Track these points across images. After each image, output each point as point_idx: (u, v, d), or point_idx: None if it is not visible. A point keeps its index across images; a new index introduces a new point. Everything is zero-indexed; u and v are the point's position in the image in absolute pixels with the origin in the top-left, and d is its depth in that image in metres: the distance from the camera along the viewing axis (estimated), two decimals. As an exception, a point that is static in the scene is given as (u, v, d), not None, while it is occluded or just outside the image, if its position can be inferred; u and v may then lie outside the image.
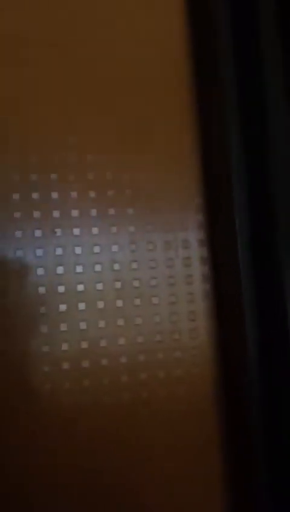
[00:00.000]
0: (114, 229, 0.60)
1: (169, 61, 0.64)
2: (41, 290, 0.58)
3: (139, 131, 0.61)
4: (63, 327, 0.58)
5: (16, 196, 0.58)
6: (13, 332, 0.57)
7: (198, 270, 0.61)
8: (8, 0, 0.59)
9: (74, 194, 0.59)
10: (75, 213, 0.59)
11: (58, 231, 0.59)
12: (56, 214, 0.59)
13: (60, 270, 0.59)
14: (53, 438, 0.56)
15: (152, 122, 0.61)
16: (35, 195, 0.59)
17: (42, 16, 0.60)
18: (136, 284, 0.59)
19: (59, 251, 0.59)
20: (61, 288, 0.59)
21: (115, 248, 0.60)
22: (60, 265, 0.59)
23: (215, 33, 0.61)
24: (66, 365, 0.58)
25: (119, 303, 0.59)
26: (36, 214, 0.59)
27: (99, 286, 0.59)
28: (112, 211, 0.60)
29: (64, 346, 0.58)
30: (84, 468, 0.57)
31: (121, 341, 0.59)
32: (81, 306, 0.59)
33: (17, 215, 0.58)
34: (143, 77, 0.63)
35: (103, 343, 0.59)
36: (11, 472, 0.54)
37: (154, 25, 0.64)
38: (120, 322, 0.59)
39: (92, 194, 0.60)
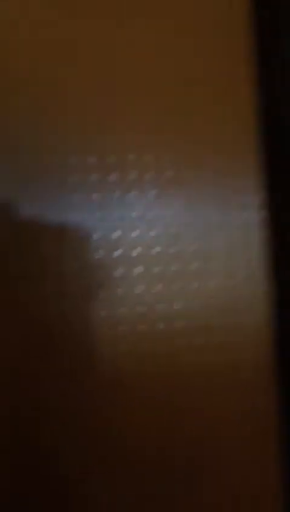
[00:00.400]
0: (170, 193, 0.59)
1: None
2: (98, 254, 0.58)
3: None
4: (120, 291, 0.58)
5: (73, 160, 0.58)
6: (72, 297, 0.57)
7: (256, 234, 0.59)
8: None
9: (131, 157, 0.59)
10: (132, 175, 0.59)
11: (115, 195, 0.58)
12: (113, 177, 0.59)
13: (116, 234, 0.58)
14: (109, 400, 0.57)
15: (208, 75, 0.60)
16: (91, 159, 0.58)
17: None
18: (192, 248, 0.58)
19: (115, 215, 0.58)
20: (117, 253, 0.58)
21: (171, 212, 0.59)
22: (117, 229, 0.58)
23: None
24: (123, 329, 0.57)
25: (175, 267, 0.58)
26: (93, 177, 0.58)
27: (155, 250, 0.58)
28: (169, 174, 0.59)
29: (122, 310, 0.58)
30: (137, 431, 0.57)
31: (177, 305, 0.58)
32: (137, 270, 0.58)
33: (73, 179, 0.58)
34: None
35: (159, 307, 0.58)
36: (69, 434, 0.55)
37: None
38: (176, 286, 0.58)
39: (149, 157, 0.59)
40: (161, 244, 0.58)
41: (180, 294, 0.58)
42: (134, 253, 0.58)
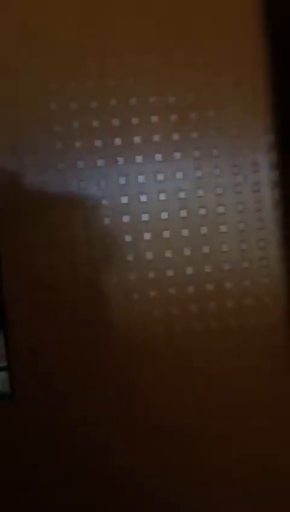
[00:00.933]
0: (178, 155, 0.58)
1: None
2: (107, 221, 0.57)
3: (206, 50, 0.57)
4: (130, 257, 0.57)
5: (76, 124, 0.57)
6: (82, 264, 0.57)
7: (268, 195, 0.58)
8: None
9: (135, 120, 0.57)
10: (137, 140, 0.57)
11: (120, 160, 0.57)
12: (118, 141, 0.57)
13: (124, 200, 0.57)
14: (123, 366, 0.58)
15: (220, 41, 0.57)
16: (95, 123, 0.57)
17: None
18: (202, 212, 0.57)
19: (122, 180, 0.57)
20: (126, 219, 0.57)
21: (179, 175, 0.57)
22: (124, 195, 0.57)
23: None
24: (135, 295, 0.57)
25: (185, 232, 0.57)
26: (98, 143, 0.57)
27: (165, 215, 0.57)
28: (175, 136, 0.58)
29: (132, 276, 0.57)
30: (153, 398, 0.58)
31: (189, 270, 0.57)
32: (147, 236, 0.57)
33: (78, 144, 0.57)
34: None
35: (169, 273, 0.57)
36: (87, 400, 0.56)
37: None
38: (187, 251, 0.57)
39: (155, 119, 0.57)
40: (170, 209, 0.57)
41: (191, 259, 0.57)
42: (143, 219, 0.57)
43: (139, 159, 0.57)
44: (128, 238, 0.57)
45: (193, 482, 0.57)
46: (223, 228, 0.57)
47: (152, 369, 0.58)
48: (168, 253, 0.57)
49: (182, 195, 0.57)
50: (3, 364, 0.57)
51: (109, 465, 0.57)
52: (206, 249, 0.57)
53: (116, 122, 0.56)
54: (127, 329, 0.57)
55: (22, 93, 0.57)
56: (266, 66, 0.55)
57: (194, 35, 0.56)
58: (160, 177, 0.57)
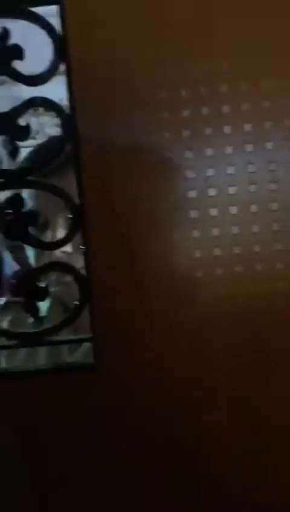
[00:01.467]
0: (267, 125, 0.55)
1: None
2: (192, 193, 0.55)
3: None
4: (215, 232, 0.56)
5: (161, 94, 0.54)
6: (165, 237, 0.55)
7: None
8: None
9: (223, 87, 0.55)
10: (225, 109, 0.55)
11: (208, 130, 0.55)
12: (205, 111, 0.55)
13: (210, 172, 0.55)
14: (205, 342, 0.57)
15: None
16: (183, 92, 0.54)
17: None
18: (293, 185, 0.55)
19: (209, 152, 0.55)
20: (212, 191, 0.55)
21: (269, 146, 0.55)
22: (211, 167, 0.55)
23: None
24: (219, 271, 0.56)
25: (274, 206, 0.55)
26: (185, 113, 0.55)
27: (253, 188, 0.55)
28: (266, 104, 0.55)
29: (217, 252, 0.56)
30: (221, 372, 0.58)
31: (277, 246, 0.56)
32: (233, 210, 0.56)
33: (165, 114, 0.55)
34: None
35: (256, 248, 0.56)
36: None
37: None
38: (275, 226, 0.56)
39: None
40: (258, 182, 0.55)
41: (279, 235, 0.56)
42: (230, 192, 0.56)
43: (227, 129, 0.54)
44: (213, 211, 0.56)
45: None
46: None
47: (228, 340, 0.57)
48: (255, 228, 0.56)
49: (272, 167, 0.55)
50: (87, 335, 0.58)
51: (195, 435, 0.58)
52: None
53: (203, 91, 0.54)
54: (208, 305, 0.57)
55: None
56: None
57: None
58: (249, 147, 0.55)
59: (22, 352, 0.74)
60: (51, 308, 0.78)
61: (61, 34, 0.55)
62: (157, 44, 0.54)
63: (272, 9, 0.53)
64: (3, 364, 0.73)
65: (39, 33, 0.56)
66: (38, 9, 0.55)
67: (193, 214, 0.56)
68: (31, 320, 0.73)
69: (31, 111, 0.56)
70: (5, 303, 0.68)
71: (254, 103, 0.54)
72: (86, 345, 0.75)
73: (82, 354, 0.76)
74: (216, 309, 0.57)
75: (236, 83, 0.54)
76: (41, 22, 0.55)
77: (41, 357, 0.77)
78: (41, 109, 0.59)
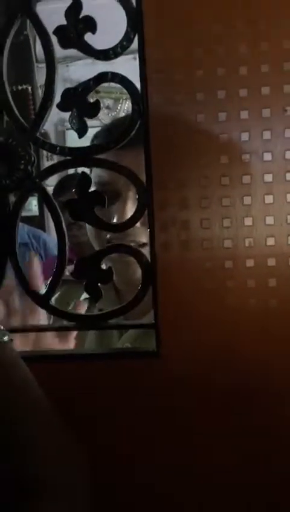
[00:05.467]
0: None
1: None
2: (268, 177, 0.52)
3: None
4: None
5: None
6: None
7: None
8: None
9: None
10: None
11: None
12: (287, 88, 0.51)
13: (288, 154, 0.52)
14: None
15: None
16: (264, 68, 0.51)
17: None
18: None
19: (289, 133, 0.51)
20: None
21: None
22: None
23: None
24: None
25: None
26: (264, 90, 0.51)
27: None
28: None
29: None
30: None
31: None
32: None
33: (243, 92, 0.51)
34: None
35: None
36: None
37: None
38: None
39: None
40: None
41: None
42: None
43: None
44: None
45: None
46: None
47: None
48: None
49: None
50: (149, 320, 0.56)
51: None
52: None
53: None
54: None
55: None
56: None
57: None
58: None
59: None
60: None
61: (135, 7, 0.53)
62: (228, 21, 0.51)
63: None
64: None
65: (112, 7, 0.54)
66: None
67: (268, 199, 0.53)
68: (79, 298, 0.72)
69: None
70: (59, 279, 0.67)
71: None
72: (138, 331, 0.74)
73: (133, 339, 0.74)
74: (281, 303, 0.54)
75: None
76: (115, -7, 0.53)
77: (89, 340, 0.75)
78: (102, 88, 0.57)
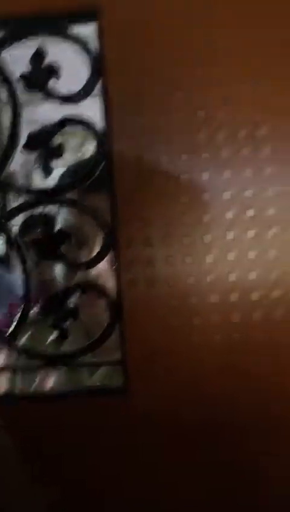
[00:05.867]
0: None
1: None
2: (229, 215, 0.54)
3: None
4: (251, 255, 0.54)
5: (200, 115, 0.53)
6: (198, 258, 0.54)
7: None
8: None
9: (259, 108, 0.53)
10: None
11: (246, 150, 0.53)
12: (242, 133, 0.53)
13: (248, 193, 0.54)
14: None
15: None
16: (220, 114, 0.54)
17: None
18: None
19: (248, 172, 0.54)
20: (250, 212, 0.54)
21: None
22: (248, 188, 0.54)
23: None
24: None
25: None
26: (222, 133, 0.53)
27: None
28: None
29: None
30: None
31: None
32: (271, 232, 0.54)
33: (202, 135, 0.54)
34: None
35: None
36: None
37: None
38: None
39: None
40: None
41: None
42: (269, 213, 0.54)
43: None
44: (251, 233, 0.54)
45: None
46: None
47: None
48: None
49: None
50: (116, 357, 0.57)
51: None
52: None
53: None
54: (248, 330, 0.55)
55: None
56: None
57: None
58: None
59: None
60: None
61: (98, 52, 0.55)
62: (188, 67, 0.54)
63: None
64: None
65: (75, 53, 0.56)
66: (76, 29, 0.56)
67: (229, 235, 0.54)
68: (49, 337, 0.72)
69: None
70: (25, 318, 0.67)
71: None
72: (105, 368, 0.74)
73: (101, 376, 0.74)
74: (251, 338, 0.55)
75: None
76: (78, 41, 0.55)
77: (59, 378, 0.74)
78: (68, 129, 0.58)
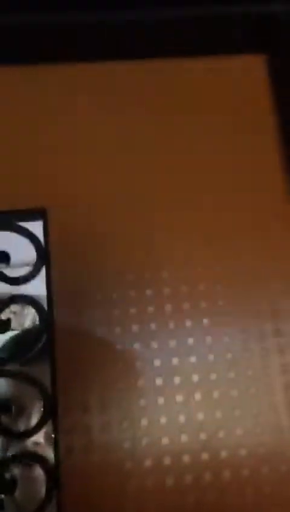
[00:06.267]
0: (224, 319, 0.63)
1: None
2: (159, 381, 0.60)
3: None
4: (182, 419, 0.59)
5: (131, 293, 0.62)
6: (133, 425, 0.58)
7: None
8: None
9: (184, 288, 0.63)
10: (186, 306, 0.63)
11: (171, 324, 0.62)
12: (168, 308, 0.63)
13: (174, 361, 0.60)
14: None
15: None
16: (149, 292, 0.63)
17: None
18: (249, 372, 0.61)
19: (173, 343, 0.61)
20: (177, 379, 0.60)
21: (226, 338, 0.62)
22: (175, 356, 0.61)
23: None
24: (186, 458, 0.58)
25: (234, 393, 0.60)
26: (150, 309, 0.62)
27: (213, 376, 0.60)
28: (221, 303, 0.63)
29: (184, 438, 0.58)
30: None
31: (239, 432, 0.59)
32: (197, 397, 0.60)
33: (133, 311, 0.62)
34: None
35: (221, 434, 0.58)
36: None
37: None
38: (237, 412, 0.59)
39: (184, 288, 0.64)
40: (217, 370, 0.61)
41: (241, 420, 0.59)
42: (194, 379, 0.60)
43: (188, 322, 0.62)
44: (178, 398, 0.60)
45: None
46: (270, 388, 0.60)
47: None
48: (218, 414, 0.60)
49: (229, 356, 0.61)
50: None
51: None
52: (256, 410, 0.60)
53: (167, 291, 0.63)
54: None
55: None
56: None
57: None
58: (208, 339, 0.62)
59: None
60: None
61: (43, 244, 0.65)
62: (131, 250, 0.65)
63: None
64: None
65: (24, 243, 0.65)
66: (25, 224, 0.66)
67: (160, 400, 0.60)
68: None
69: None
70: None
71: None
72: None
73: None
74: (186, 495, 0.57)
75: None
76: (26, 234, 0.65)
77: None
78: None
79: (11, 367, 0.61)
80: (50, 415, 0.59)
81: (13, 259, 0.63)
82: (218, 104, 0.73)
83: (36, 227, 0.65)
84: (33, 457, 0.60)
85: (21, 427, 0.70)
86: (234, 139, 0.71)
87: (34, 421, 0.61)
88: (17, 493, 0.76)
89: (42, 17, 0.67)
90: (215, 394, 0.60)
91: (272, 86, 0.73)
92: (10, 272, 0.63)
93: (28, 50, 0.71)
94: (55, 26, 0.69)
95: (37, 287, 0.63)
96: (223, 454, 0.59)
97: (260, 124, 0.72)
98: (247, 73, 0.74)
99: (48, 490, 0.57)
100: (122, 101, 0.72)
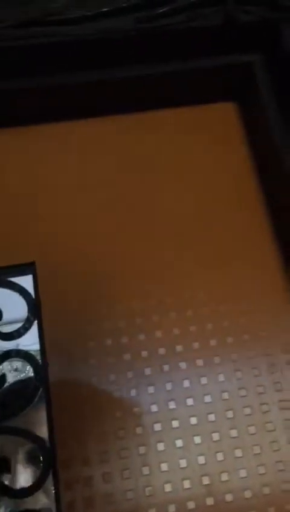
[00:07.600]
0: (217, 360, 0.63)
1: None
2: (157, 426, 0.59)
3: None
4: (182, 463, 0.58)
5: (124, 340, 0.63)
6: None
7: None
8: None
9: (176, 331, 0.64)
10: (179, 348, 0.63)
11: (166, 367, 0.62)
12: (162, 351, 0.63)
13: (171, 404, 0.60)
14: None
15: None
16: (141, 336, 0.63)
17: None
18: (247, 411, 0.60)
19: (169, 386, 0.61)
20: (175, 423, 0.60)
21: (221, 377, 0.62)
22: (171, 400, 0.60)
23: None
24: (191, 505, 0.57)
25: (234, 433, 0.59)
26: (144, 354, 0.62)
27: (212, 417, 0.60)
28: (213, 343, 0.64)
29: (186, 484, 0.57)
30: None
31: (243, 473, 0.58)
32: (197, 440, 0.59)
33: (126, 357, 0.62)
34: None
35: (224, 477, 0.58)
36: None
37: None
38: (238, 453, 0.59)
39: (193, 328, 0.64)
40: (216, 411, 0.60)
41: (243, 461, 0.58)
42: (192, 422, 0.60)
43: (182, 365, 0.62)
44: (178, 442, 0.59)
45: None
46: (269, 426, 0.60)
47: None
48: (220, 456, 0.59)
49: (225, 396, 0.61)
50: None
51: None
52: (257, 449, 0.59)
53: (159, 334, 0.63)
54: None
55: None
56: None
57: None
58: (203, 380, 0.62)
59: None
60: None
61: (33, 297, 0.66)
62: (122, 298, 0.66)
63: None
64: None
65: (15, 297, 0.66)
66: (15, 279, 0.67)
67: (160, 446, 0.59)
68: None
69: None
70: None
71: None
72: None
73: None
74: None
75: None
76: (17, 289, 0.66)
77: None
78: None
79: (7, 423, 0.61)
80: (50, 468, 0.59)
81: (5, 315, 0.64)
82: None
83: (25, 281, 0.66)
84: (35, 515, 0.59)
85: (18, 484, 0.69)
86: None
87: (21, 477, 0.61)
88: None
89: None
90: (215, 436, 0.60)
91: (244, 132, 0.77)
92: (2, 328, 0.63)
93: None
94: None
95: (30, 340, 0.63)
96: (228, 498, 0.58)
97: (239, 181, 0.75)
98: (219, 121, 0.77)
99: None
100: (89, 157, 0.74)
